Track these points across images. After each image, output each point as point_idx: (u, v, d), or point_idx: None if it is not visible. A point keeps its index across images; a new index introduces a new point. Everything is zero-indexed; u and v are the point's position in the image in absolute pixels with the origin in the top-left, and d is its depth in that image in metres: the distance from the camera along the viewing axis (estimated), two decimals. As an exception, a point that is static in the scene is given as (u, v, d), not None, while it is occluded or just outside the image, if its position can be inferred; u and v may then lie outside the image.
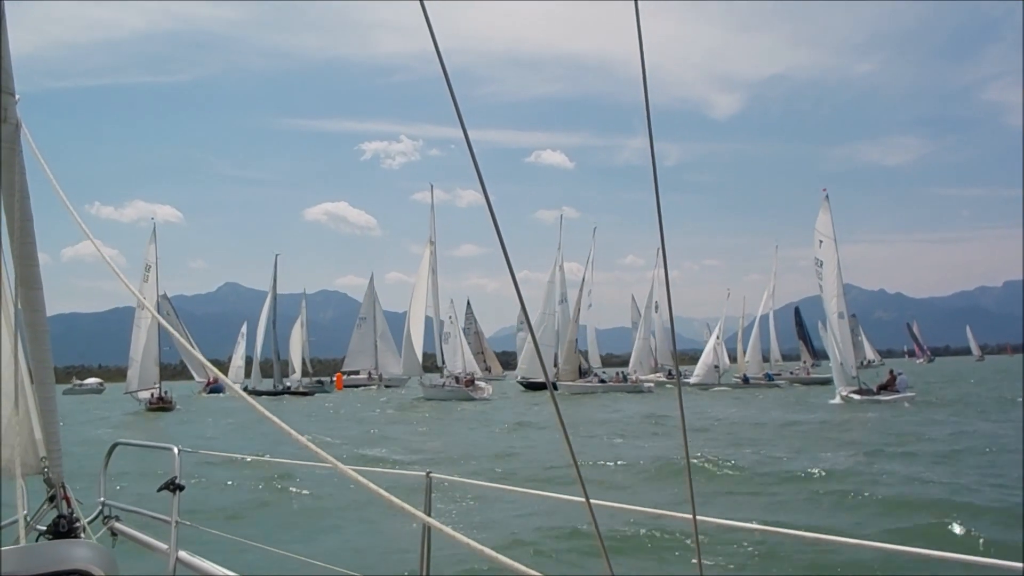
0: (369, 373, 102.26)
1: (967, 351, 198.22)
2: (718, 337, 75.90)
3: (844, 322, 48.92)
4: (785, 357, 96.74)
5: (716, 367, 72.39)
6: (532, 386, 69.46)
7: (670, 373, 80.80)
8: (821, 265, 49.05)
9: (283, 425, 3.07)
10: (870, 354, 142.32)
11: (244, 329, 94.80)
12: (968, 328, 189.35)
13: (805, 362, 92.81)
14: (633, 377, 72.43)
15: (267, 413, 3.14)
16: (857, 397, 45.14)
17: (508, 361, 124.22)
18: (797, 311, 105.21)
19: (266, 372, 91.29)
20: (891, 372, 48.17)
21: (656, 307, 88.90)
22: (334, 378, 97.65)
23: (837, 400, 45.89)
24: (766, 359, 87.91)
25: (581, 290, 74.09)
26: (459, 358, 69.72)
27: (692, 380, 70.36)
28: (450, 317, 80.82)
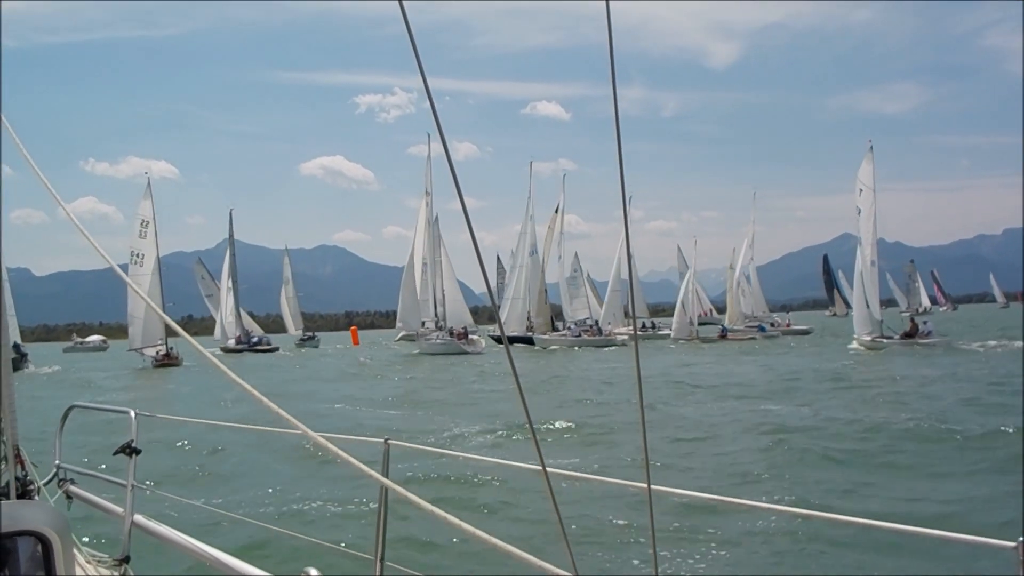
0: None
1: (967, 299, 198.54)
2: (694, 290, 75.72)
3: (875, 270, 50.53)
4: (801, 306, 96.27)
5: (691, 321, 71.67)
6: (502, 341, 67.90)
7: (643, 325, 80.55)
8: (859, 213, 50.51)
9: (246, 385, 3.02)
10: (925, 301, 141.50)
11: (229, 283, 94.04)
12: (992, 275, 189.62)
13: (829, 311, 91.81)
14: (607, 330, 71.77)
15: (232, 374, 3.09)
16: (886, 341, 47.03)
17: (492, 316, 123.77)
18: (826, 259, 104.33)
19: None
20: (912, 320, 50.35)
21: (630, 259, 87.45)
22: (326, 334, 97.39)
23: (855, 345, 48.03)
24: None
25: (549, 240, 74.35)
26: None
27: (672, 334, 70.51)
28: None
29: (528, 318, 72.05)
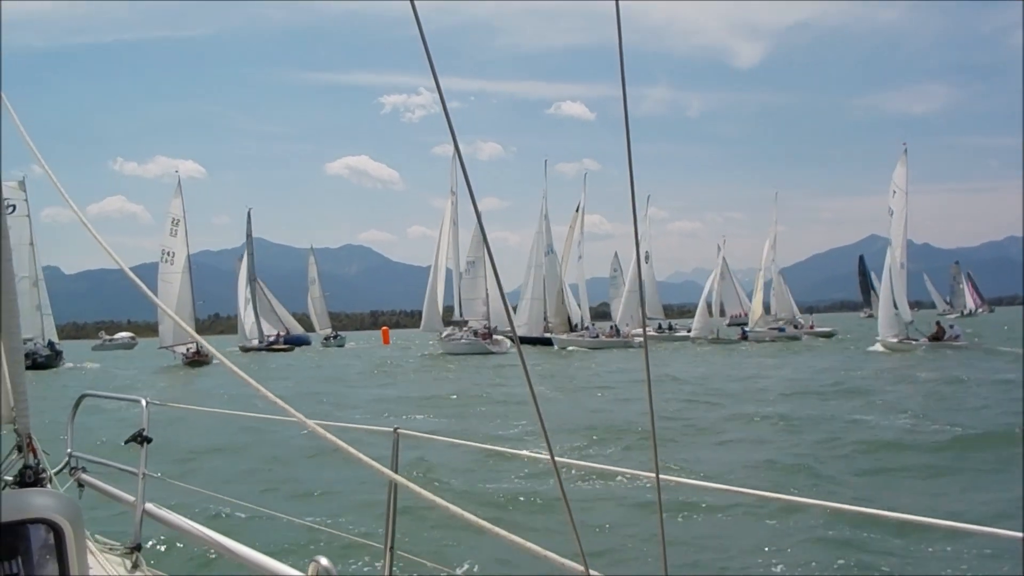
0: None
1: (998, 302, 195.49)
2: (734, 290, 75.43)
3: (904, 272, 50.46)
4: (828, 307, 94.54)
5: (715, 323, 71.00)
6: (525, 341, 66.59)
7: (660, 327, 79.31)
8: (891, 215, 50.76)
9: (252, 382, 3.09)
10: (970, 303, 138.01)
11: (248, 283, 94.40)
12: None
13: (864, 312, 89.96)
14: (625, 332, 70.43)
15: (240, 372, 3.17)
16: (915, 342, 47.23)
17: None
18: (861, 260, 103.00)
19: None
20: (938, 324, 49.79)
21: (647, 257, 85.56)
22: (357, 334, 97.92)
23: (877, 347, 48.32)
24: (767, 311, 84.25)
25: (570, 240, 73.29)
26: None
27: (693, 334, 69.94)
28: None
29: (545, 319, 71.52)
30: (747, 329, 71.94)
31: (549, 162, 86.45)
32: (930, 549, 8.85)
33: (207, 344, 3.37)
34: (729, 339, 67.59)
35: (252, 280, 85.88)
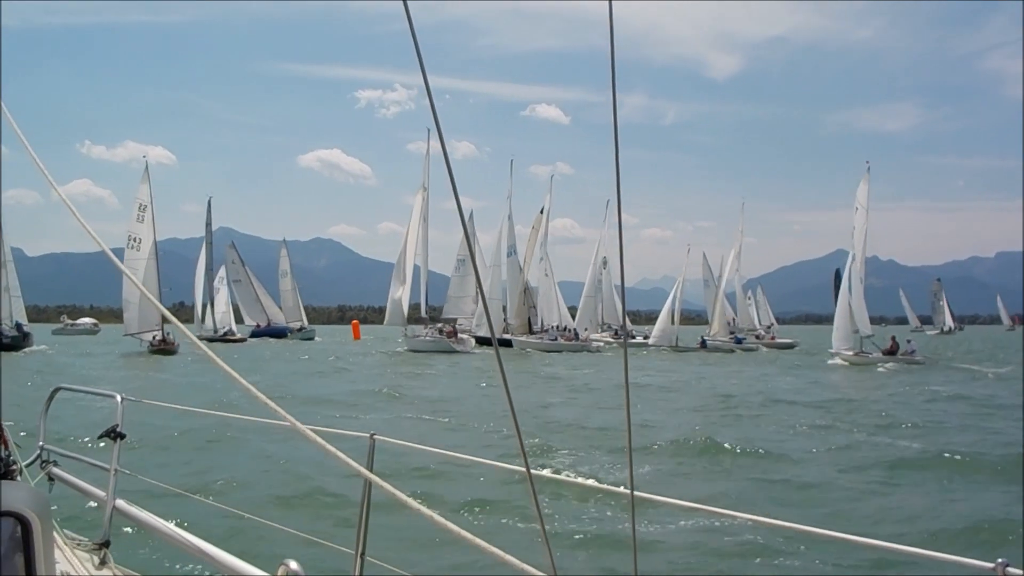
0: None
1: (961, 320, 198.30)
2: (721, 298, 76.22)
3: (862, 287, 52.05)
4: (794, 320, 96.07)
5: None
6: (480, 341, 66.36)
7: (616, 332, 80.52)
8: (854, 231, 52.52)
9: (237, 375, 3.03)
10: (950, 321, 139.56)
11: (223, 273, 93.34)
12: (999, 297, 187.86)
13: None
14: (584, 335, 71.36)
15: (223, 364, 3.11)
16: (871, 356, 48.92)
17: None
18: (838, 273, 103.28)
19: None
20: (892, 339, 51.19)
21: (605, 263, 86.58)
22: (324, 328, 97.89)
23: (837, 361, 49.72)
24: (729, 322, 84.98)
25: (533, 242, 73.70)
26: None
27: (651, 342, 70.39)
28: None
29: (504, 319, 71.63)
30: (706, 338, 72.43)
31: (523, 164, 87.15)
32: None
33: (195, 338, 3.29)
34: (688, 347, 68.11)
35: (209, 269, 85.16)
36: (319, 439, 2.95)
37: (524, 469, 2.34)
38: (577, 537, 10.21)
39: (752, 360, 57.67)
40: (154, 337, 56.72)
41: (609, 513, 11.06)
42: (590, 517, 11.05)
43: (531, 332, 70.88)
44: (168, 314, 4.56)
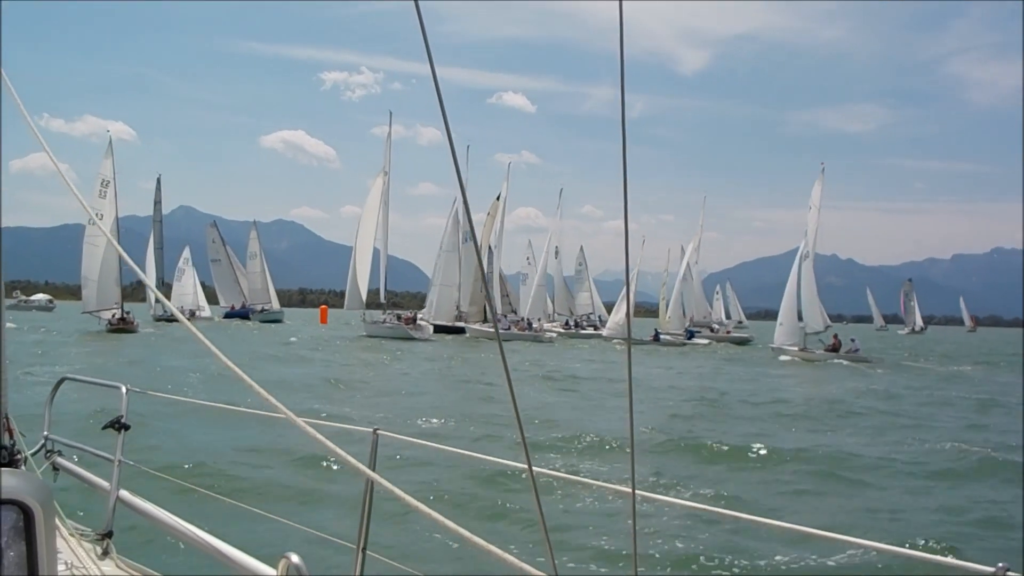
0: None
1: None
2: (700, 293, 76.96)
3: (814, 285, 53.27)
4: (754, 316, 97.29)
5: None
6: (438, 329, 66.47)
7: (566, 323, 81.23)
8: (807, 230, 53.96)
9: (235, 368, 3.06)
10: (919, 321, 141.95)
11: (187, 254, 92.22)
12: (961, 299, 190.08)
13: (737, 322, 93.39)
14: (537, 326, 71.47)
15: (221, 355, 3.13)
16: (815, 353, 50.40)
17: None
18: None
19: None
20: (835, 336, 52.47)
21: (556, 253, 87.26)
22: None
23: (787, 358, 50.67)
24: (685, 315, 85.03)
25: (489, 228, 73.97)
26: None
27: (605, 333, 70.77)
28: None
29: (457, 307, 71.66)
30: (659, 331, 72.53)
31: (489, 152, 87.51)
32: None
33: (191, 326, 3.28)
34: (642, 340, 67.84)
35: (159, 248, 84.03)
36: (319, 436, 2.97)
37: (526, 466, 2.36)
38: (581, 535, 10.35)
39: (696, 353, 58.02)
40: (113, 315, 56.09)
41: (610, 510, 11.27)
42: (591, 514, 11.23)
43: (485, 320, 70.50)
44: (160, 294, 4.60)
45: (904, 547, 2.81)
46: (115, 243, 4.60)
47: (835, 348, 50.93)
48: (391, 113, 69.27)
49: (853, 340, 52.72)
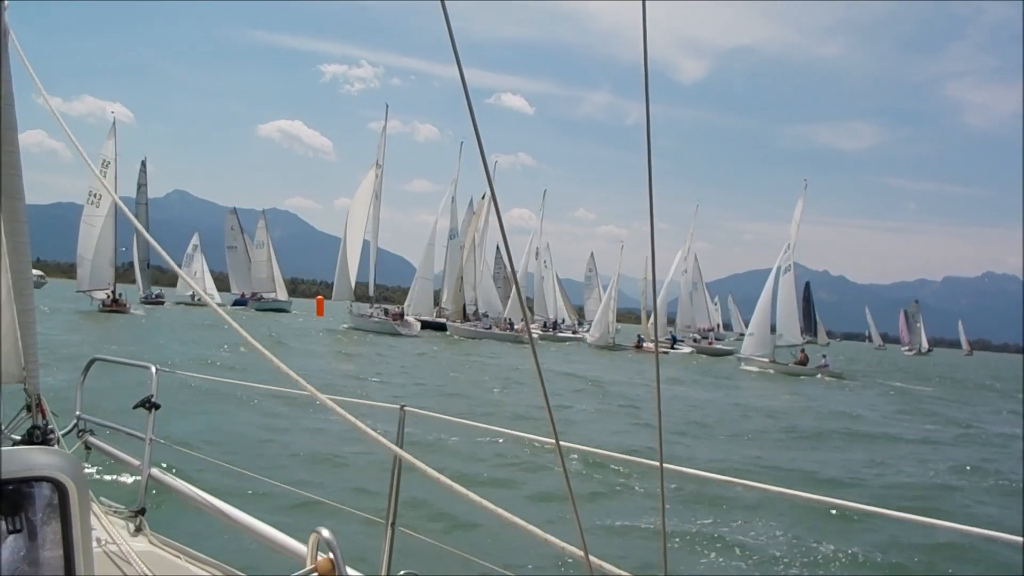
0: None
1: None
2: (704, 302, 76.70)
3: (794, 300, 54.02)
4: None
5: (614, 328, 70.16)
6: (426, 325, 66.20)
7: (544, 325, 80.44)
8: (788, 248, 53.99)
9: (264, 351, 3.17)
10: (925, 342, 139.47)
11: (196, 240, 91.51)
12: (960, 322, 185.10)
13: (805, 338, 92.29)
14: (519, 326, 70.20)
15: (249, 337, 3.26)
16: (786, 366, 50.54)
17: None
18: (808, 286, 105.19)
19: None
20: (803, 351, 52.90)
21: (537, 254, 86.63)
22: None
23: (755, 368, 50.80)
24: (671, 322, 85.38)
25: (474, 227, 73.52)
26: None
27: (589, 340, 69.73)
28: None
29: (437, 304, 71.41)
30: (642, 338, 71.04)
31: (486, 152, 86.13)
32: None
33: (219, 309, 3.41)
34: (624, 346, 67.31)
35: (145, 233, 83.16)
36: (347, 414, 3.07)
37: (553, 441, 2.35)
38: (609, 508, 10.67)
39: (667, 362, 55.62)
40: (107, 295, 55.94)
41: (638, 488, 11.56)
42: (624, 489, 11.61)
43: (465, 319, 70.21)
44: (188, 279, 4.69)
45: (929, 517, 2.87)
46: (141, 228, 4.66)
47: (803, 363, 51.48)
48: (387, 106, 68.71)
49: (824, 356, 53.30)
